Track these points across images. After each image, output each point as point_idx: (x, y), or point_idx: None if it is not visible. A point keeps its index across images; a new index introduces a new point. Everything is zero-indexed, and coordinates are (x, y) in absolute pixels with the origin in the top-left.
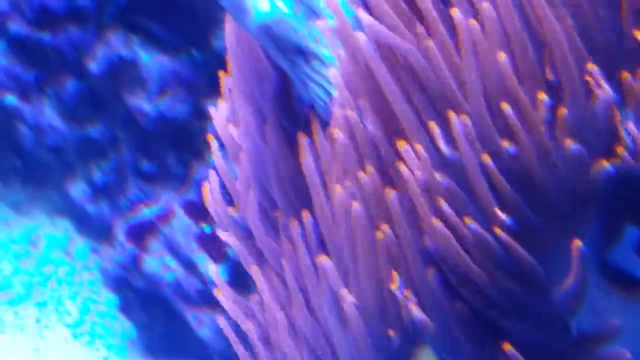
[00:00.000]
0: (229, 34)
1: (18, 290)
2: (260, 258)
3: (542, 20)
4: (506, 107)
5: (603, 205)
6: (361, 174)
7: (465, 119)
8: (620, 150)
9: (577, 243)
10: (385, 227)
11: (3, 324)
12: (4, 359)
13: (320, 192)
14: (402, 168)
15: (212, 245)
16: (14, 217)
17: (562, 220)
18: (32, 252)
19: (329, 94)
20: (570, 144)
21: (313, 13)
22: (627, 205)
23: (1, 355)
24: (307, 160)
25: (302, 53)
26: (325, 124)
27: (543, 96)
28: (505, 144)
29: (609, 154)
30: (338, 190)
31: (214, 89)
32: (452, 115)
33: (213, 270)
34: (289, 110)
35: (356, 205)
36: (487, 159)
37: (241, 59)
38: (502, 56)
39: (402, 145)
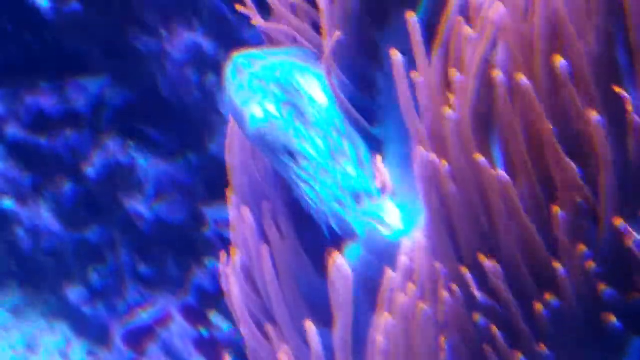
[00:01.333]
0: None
1: None
2: None
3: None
4: (558, 267)
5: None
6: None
7: (496, 265)
8: None
9: None
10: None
11: None
12: None
13: (349, 309)
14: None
15: (210, 349)
16: (12, 322)
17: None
18: (29, 356)
19: (317, 194)
20: (603, 289)
21: (299, 113)
22: (632, 317)
23: None
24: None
25: (290, 153)
26: (312, 219)
27: (584, 248)
28: (549, 297)
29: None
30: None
31: (210, 193)
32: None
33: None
34: (294, 214)
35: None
36: (539, 308)
37: (244, 168)
38: (557, 210)
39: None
